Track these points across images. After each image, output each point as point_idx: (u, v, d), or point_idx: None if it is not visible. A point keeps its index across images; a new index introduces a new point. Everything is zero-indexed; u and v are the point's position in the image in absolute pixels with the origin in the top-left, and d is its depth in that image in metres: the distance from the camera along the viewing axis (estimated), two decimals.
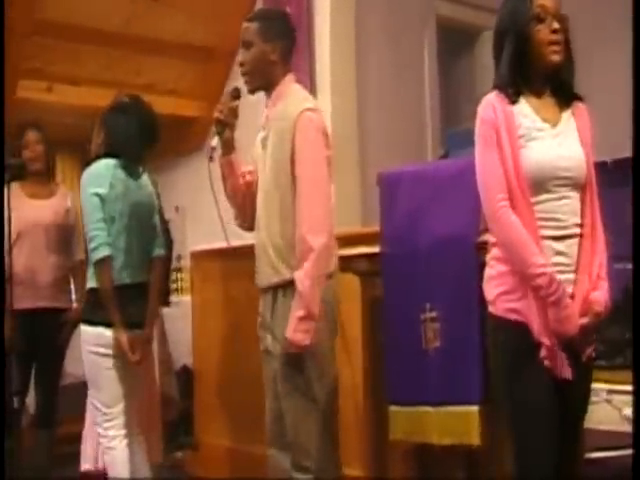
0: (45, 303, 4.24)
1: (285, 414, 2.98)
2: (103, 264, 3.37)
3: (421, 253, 3.09)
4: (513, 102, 2.46)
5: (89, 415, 3.85)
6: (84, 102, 5.18)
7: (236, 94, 3.09)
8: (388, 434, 3.27)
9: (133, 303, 3.46)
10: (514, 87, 2.47)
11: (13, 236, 4.12)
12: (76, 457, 4.22)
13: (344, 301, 3.29)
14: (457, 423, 3.04)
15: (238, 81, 3.20)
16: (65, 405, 4.52)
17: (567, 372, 2.37)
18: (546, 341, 2.36)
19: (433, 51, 5.52)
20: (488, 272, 2.51)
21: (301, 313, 2.81)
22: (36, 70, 4.97)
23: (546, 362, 2.37)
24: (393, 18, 5.20)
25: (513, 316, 2.41)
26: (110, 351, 3.41)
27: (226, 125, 3.06)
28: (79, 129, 4.69)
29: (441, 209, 3.03)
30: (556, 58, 2.43)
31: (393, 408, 3.24)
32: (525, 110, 2.47)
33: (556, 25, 2.43)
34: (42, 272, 4.23)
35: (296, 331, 2.82)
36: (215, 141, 3.10)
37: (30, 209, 4.22)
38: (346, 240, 3.55)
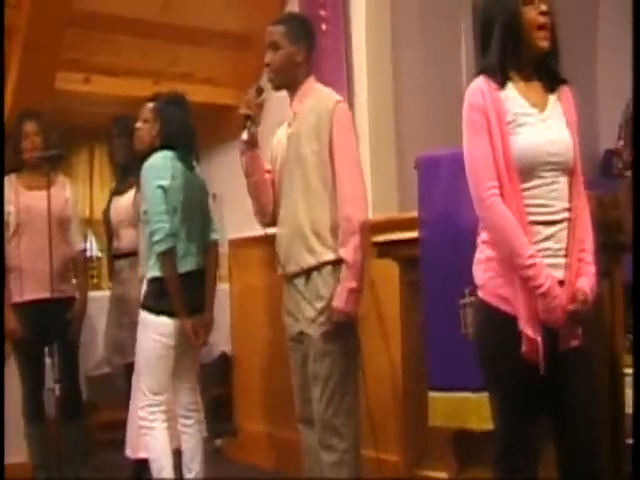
0: (48, 294, 4.09)
1: (319, 391, 3.08)
2: (168, 255, 3.48)
3: (460, 237, 3.06)
4: (501, 87, 2.44)
5: (133, 403, 3.89)
6: (121, 92, 5.21)
7: (260, 91, 3.22)
8: (427, 420, 3.28)
9: (193, 289, 3.57)
10: (503, 72, 2.45)
11: (12, 228, 4.17)
12: (115, 444, 4.27)
13: (382, 287, 3.30)
14: None
15: None
16: (101, 393, 4.58)
17: (543, 366, 2.34)
18: (529, 332, 2.34)
19: (469, 37, 5.48)
20: (477, 256, 2.51)
21: (353, 285, 3.03)
22: (74, 61, 4.99)
23: (527, 355, 2.34)
24: (429, 5, 5.17)
25: (502, 306, 2.40)
26: (169, 340, 3.52)
27: (253, 120, 3.18)
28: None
29: None
30: (545, 44, 2.42)
31: (432, 394, 3.24)
32: (513, 95, 2.45)
33: (544, 7, 2.41)
34: (42, 263, 4.08)
35: (348, 302, 3.02)
36: (245, 135, 3.22)
37: (27, 200, 4.16)
38: (384, 226, 3.55)
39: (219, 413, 4.94)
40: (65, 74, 4.96)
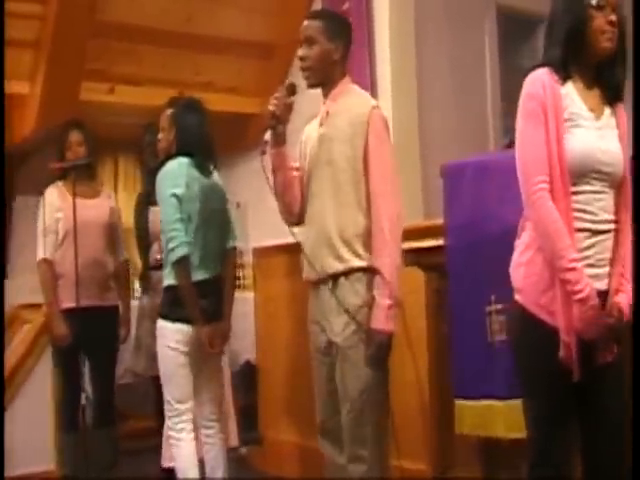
0: (93, 302, 4.19)
1: (348, 403, 2.97)
2: (182, 263, 3.44)
3: (486, 244, 3.06)
4: (563, 82, 2.38)
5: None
6: (145, 102, 5.23)
7: (292, 90, 3.08)
8: (454, 428, 3.25)
9: (210, 296, 3.54)
10: (564, 67, 2.39)
11: (61, 236, 4.21)
12: (140, 453, 4.28)
13: (408, 295, 3.27)
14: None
15: (297, 77, 3.21)
16: (127, 402, 4.57)
17: (578, 373, 2.31)
18: (565, 337, 2.30)
19: (494, 41, 5.46)
20: (517, 259, 2.46)
21: (390, 302, 2.89)
22: (98, 71, 5.02)
23: (564, 360, 2.31)
24: (453, 9, 5.16)
25: (541, 314, 2.35)
26: (187, 348, 3.49)
27: (280, 119, 3.05)
28: (140, 129, 4.76)
29: (505, 199, 2.99)
30: (608, 45, 2.37)
31: (459, 402, 3.22)
32: (572, 94, 2.40)
33: (613, 17, 2.37)
34: (89, 271, 4.18)
35: (388, 321, 2.88)
36: (268, 135, 3.10)
37: (77, 209, 4.15)
38: (409, 234, 3.53)
39: (244, 421, 4.93)
40: (89, 84, 4.99)
